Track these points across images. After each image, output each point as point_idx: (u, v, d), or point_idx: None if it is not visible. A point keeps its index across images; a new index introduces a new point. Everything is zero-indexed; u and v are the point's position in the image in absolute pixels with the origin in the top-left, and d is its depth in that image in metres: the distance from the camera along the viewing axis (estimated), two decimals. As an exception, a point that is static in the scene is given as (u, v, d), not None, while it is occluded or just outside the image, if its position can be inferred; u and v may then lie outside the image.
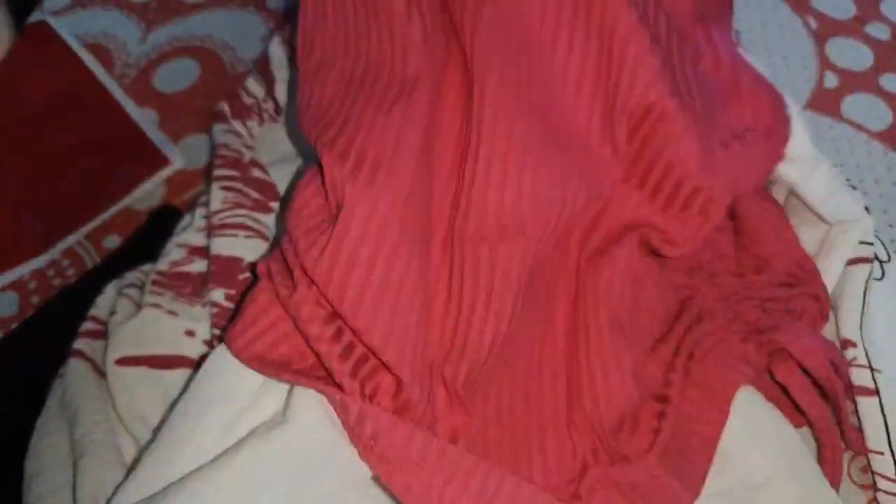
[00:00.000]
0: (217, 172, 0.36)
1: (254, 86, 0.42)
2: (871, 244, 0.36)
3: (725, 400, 0.30)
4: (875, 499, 0.30)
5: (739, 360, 0.32)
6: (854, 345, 0.32)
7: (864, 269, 0.35)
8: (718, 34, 0.36)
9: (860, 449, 0.31)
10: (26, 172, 0.39)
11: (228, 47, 0.47)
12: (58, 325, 0.34)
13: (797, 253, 0.37)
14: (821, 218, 0.36)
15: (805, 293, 0.35)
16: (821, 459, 0.31)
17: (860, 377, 0.32)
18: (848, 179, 0.37)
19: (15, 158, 0.40)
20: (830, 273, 0.35)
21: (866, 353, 0.32)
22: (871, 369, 0.32)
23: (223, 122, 0.41)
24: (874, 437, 0.30)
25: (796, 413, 0.32)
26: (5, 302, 0.37)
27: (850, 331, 0.33)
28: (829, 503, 0.29)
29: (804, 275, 0.36)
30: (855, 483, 0.31)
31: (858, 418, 0.32)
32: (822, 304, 0.35)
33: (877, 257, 0.36)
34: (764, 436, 0.30)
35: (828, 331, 0.35)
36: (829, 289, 0.35)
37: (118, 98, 0.43)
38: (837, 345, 0.34)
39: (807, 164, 0.36)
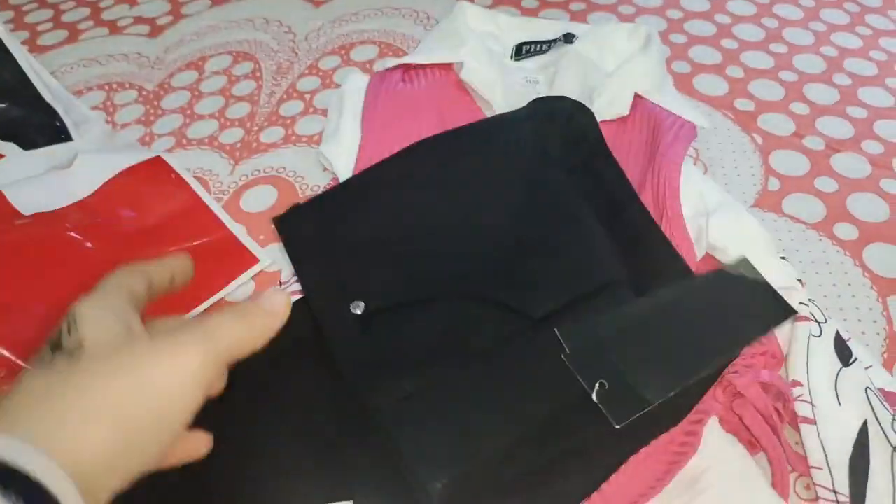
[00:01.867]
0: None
1: None
2: (809, 303, 0.42)
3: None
4: None
5: (709, 398, 0.38)
6: (801, 384, 0.39)
7: (805, 325, 0.41)
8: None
9: (802, 470, 0.37)
10: None
11: (298, 176, 0.56)
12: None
13: None
14: None
15: (764, 353, 0.41)
16: (773, 480, 0.36)
17: (803, 409, 0.38)
18: (783, 258, 0.44)
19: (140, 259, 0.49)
20: (784, 329, 0.41)
21: (810, 392, 0.38)
22: (812, 404, 0.38)
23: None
24: (814, 455, 0.36)
25: (754, 444, 0.38)
26: None
27: (797, 374, 0.39)
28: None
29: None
30: (800, 498, 0.36)
31: (802, 441, 0.37)
32: (777, 360, 0.41)
33: (814, 318, 0.41)
34: (718, 452, 0.36)
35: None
36: (785, 341, 0.41)
37: (217, 213, 0.51)
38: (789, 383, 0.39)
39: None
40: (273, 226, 0.49)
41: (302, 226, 0.48)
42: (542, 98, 0.54)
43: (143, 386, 0.23)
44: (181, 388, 0.24)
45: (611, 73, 0.54)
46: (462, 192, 0.48)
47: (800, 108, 0.60)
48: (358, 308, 0.41)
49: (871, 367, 0.41)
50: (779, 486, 0.36)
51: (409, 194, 0.49)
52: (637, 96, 0.52)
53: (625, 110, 0.51)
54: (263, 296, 0.28)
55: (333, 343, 0.41)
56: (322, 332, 0.42)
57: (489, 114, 0.56)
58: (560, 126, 0.50)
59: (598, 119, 0.51)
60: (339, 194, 0.50)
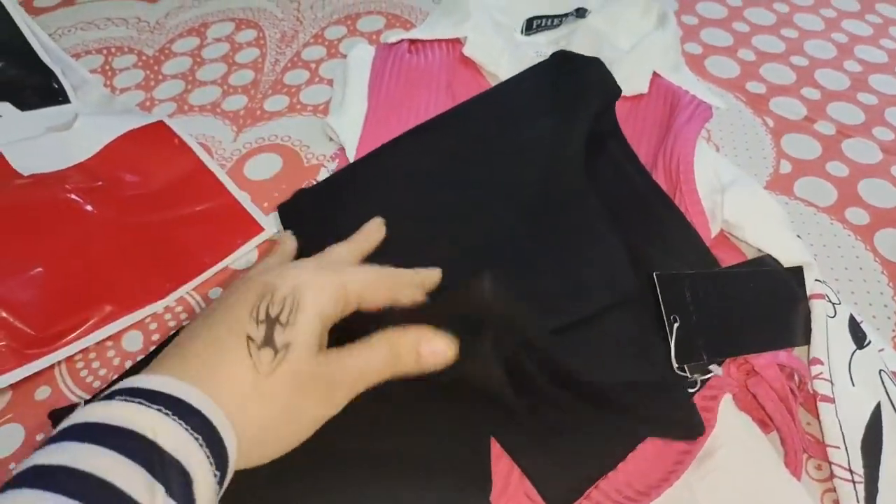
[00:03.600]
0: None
1: (324, 176, 0.51)
2: (823, 282, 0.41)
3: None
4: (830, 489, 0.35)
5: (724, 375, 0.38)
6: (821, 362, 0.38)
7: (821, 302, 0.41)
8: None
9: (813, 452, 0.37)
10: (151, 237, 0.46)
11: (304, 144, 0.55)
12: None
13: None
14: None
15: None
16: (785, 459, 0.36)
17: (823, 387, 0.37)
18: (798, 236, 0.44)
19: (144, 226, 0.47)
20: None
21: (829, 370, 0.38)
22: (831, 382, 0.38)
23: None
24: (831, 434, 0.36)
25: (767, 423, 0.38)
26: (132, 339, 0.43)
27: (817, 351, 0.39)
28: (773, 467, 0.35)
29: None
30: (811, 478, 0.36)
31: (819, 420, 0.37)
32: None
33: (828, 298, 0.41)
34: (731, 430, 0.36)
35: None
36: None
37: (222, 180, 0.50)
38: (807, 361, 0.39)
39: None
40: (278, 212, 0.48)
41: (305, 213, 0.46)
42: (569, 57, 0.51)
43: (315, 417, 0.29)
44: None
45: (628, 50, 0.53)
46: (473, 180, 0.46)
47: (811, 92, 0.60)
48: None
49: (883, 349, 0.41)
50: (791, 465, 0.36)
51: (417, 183, 0.47)
52: (654, 74, 0.51)
53: (644, 88, 0.51)
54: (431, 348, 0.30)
55: None
56: None
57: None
58: (591, 92, 0.48)
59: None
60: (344, 179, 0.48)
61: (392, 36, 0.60)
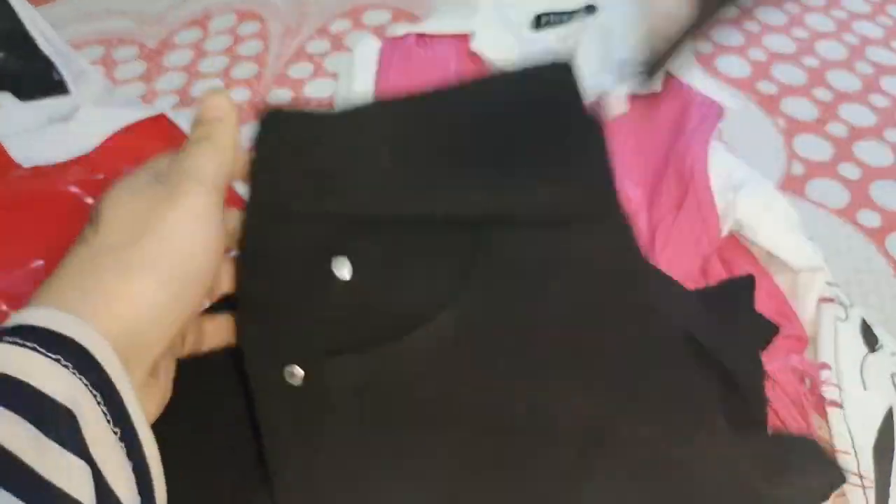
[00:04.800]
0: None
1: None
2: (835, 285, 0.41)
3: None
4: (841, 493, 0.34)
5: None
6: (829, 367, 0.38)
7: (832, 306, 0.40)
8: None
9: None
10: None
11: None
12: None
13: (777, 300, 0.42)
14: (789, 267, 0.42)
15: (789, 336, 0.40)
16: None
17: (830, 393, 0.37)
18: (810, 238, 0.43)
19: None
20: (808, 310, 0.41)
21: (838, 375, 0.38)
22: (839, 388, 0.37)
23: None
24: (840, 440, 0.36)
25: (779, 427, 0.37)
26: None
27: (825, 356, 0.39)
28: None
29: (785, 321, 0.41)
30: None
31: (828, 425, 0.36)
32: (803, 342, 0.40)
33: (840, 301, 0.41)
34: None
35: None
36: (810, 322, 0.41)
37: None
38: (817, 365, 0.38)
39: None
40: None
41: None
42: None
43: (162, 239, 0.24)
44: (197, 230, 0.25)
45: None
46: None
47: (823, 93, 0.59)
48: None
49: (896, 353, 0.40)
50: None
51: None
52: (669, 73, 0.51)
53: (658, 86, 0.50)
54: (206, 105, 0.28)
55: None
56: None
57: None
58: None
59: (630, 93, 0.50)
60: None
61: (399, 29, 0.60)
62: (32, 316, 0.22)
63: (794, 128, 0.56)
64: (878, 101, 0.59)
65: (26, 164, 0.46)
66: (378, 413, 0.27)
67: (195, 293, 0.26)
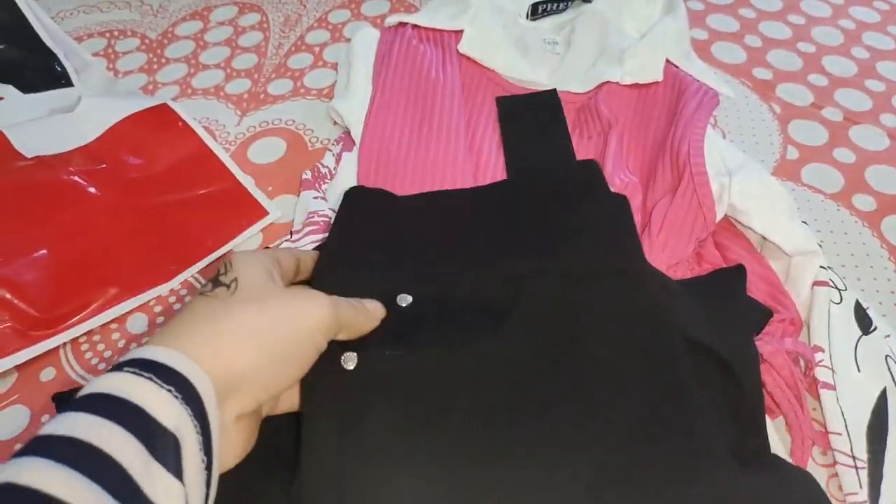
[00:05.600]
0: (313, 237, 0.44)
1: (329, 159, 0.51)
2: (829, 269, 0.41)
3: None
4: (835, 474, 0.35)
5: None
6: (822, 350, 0.38)
7: (825, 289, 0.40)
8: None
9: (818, 441, 0.36)
10: (155, 220, 0.46)
11: (308, 128, 0.55)
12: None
13: (771, 284, 0.42)
14: (783, 251, 0.42)
15: (783, 319, 0.40)
16: (792, 446, 0.36)
17: (824, 375, 0.37)
18: (804, 222, 0.43)
19: (148, 208, 0.46)
20: (802, 294, 0.41)
21: (830, 357, 0.38)
22: (832, 370, 0.37)
23: (311, 189, 0.48)
24: (833, 421, 0.36)
25: (773, 410, 0.37)
26: (136, 321, 0.43)
27: (818, 339, 0.39)
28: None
29: (779, 305, 0.41)
30: (817, 463, 0.36)
31: (822, 407, 0.37)
32: (797, 326, 0.41)
33: (834, 285, 0.41)
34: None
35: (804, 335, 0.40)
36: (804, 306, 0.41)
37: (226, 163, 0.50)
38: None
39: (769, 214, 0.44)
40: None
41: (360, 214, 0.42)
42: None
43: (284, 318, 0.28)
44: (313, 326, 0.28)
45: (640, 37, 0.53)
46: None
47: (818, 79, 0.59)
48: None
49: (889, 335, 0.41)
50: (798, 451, 0.36)
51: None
52: (666, 61, 0.51)
53: (659, 76, 0.51)
54: (366, 301, 0.33)
55: None
56: None
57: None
58: None
59: (629, 81, 0.50)
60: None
61: (393, 18, 0.60)
62: (149, 352, 0.24)
63: (789, 113, 0.56)
64: (874, 85, 0.59)
65: (29, 155, 0.46)
66: (411, 404, 0.31)
67: (287, 375, 0.28)
